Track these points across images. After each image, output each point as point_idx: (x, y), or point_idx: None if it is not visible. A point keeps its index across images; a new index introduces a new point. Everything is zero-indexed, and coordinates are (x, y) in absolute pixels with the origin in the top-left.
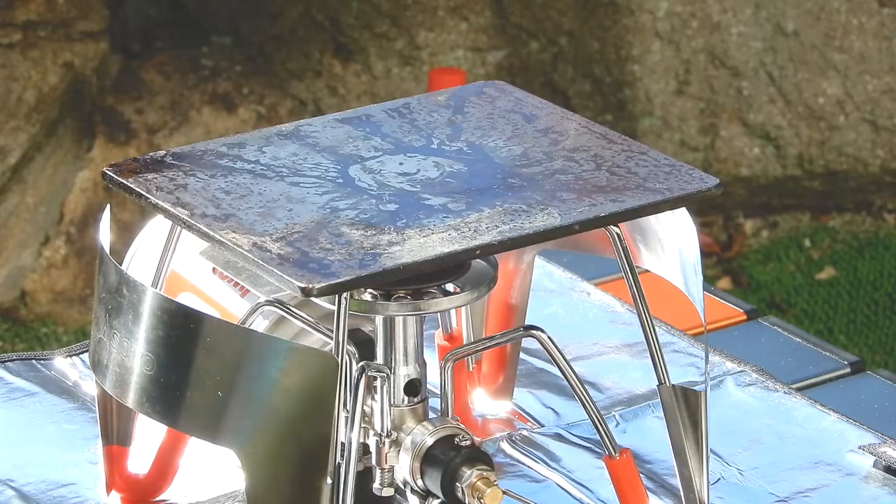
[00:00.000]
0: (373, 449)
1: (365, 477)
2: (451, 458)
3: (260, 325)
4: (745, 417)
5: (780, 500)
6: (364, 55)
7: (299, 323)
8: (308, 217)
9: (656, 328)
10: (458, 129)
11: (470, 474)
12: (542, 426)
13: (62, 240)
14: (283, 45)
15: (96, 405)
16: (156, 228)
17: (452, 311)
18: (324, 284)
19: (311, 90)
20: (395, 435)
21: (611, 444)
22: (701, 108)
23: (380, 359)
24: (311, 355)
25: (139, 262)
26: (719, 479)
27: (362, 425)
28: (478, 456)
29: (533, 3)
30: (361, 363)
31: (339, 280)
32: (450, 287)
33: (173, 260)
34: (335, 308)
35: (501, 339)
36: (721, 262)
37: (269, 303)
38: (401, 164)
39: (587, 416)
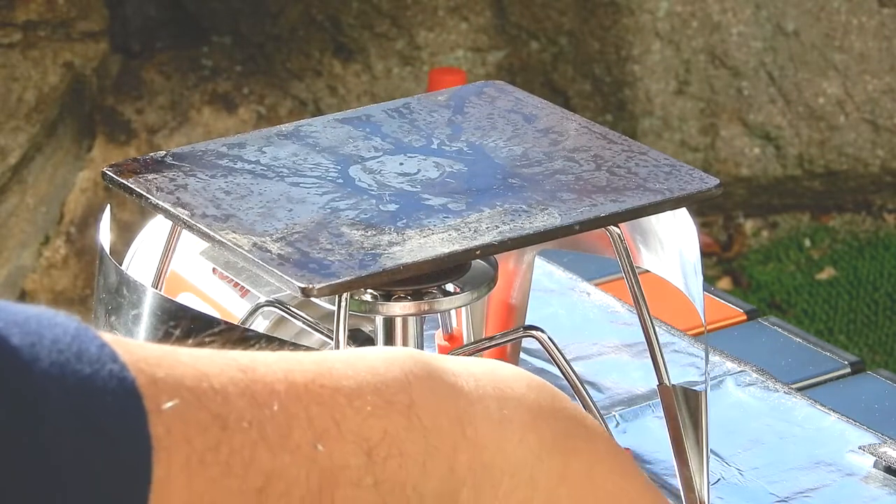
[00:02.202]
0: None
1: None
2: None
3: (260, 325)
4: (745, 417)
5: (780, 500)
6: (364, 55)
7: (299, 323)
8: (308, 217)
9: (656, 328)
10: (458, 129)
11: None
12: None
13: (62, 240)
14: (283, 45)
15: None
16: (156, 228)
17: (452, 312)
18: (324, 285)
19: (311, 90)
20: None
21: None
22: (701, 108)
23: None
24: None
25: (139, 262)
26: (719, 479)
27: None
28: None
29: (533, 3)
30: None
31: (340, 280)
32: (450, 287)
33: (173, 260)
34: (335, 308)
35: (501, 339)
36: (721, 262)
37: (270, 303)
38: (401, 164)
39: None
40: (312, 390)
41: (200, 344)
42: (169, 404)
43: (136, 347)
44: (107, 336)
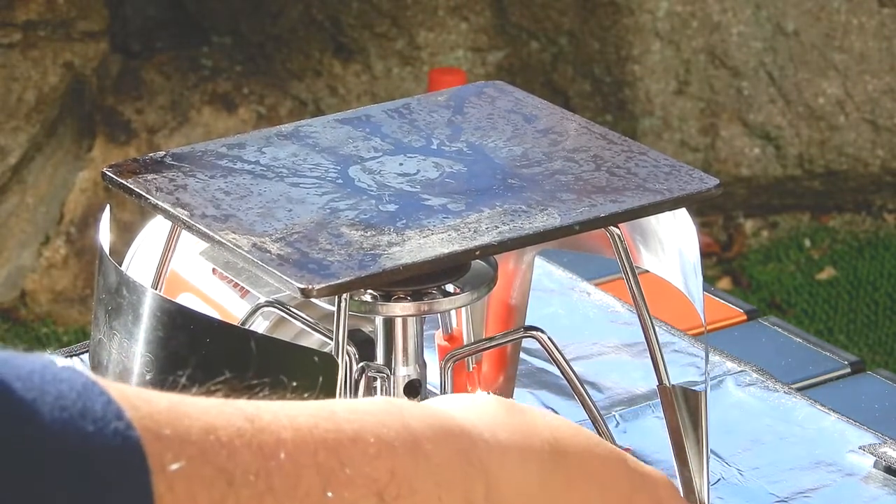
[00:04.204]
0: None
1: None
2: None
3: (260, 325)
4: (745, 417)
5: (780, 500)
6: (364, 55)
7: (299, 324)
8: (308, 218)
9: (656, 328)
10: (458, 130)
11: None
12: None
13: (62, 240)
14: (283, 45)
15: None
16: (156, 229)
17: (452, 312)
18: (324, 285)
19: (311, 90)
20: None
21: (611, 444)
22: (701, 108)
23: (380, 359)
24: (311, 356)
25: (139, 262)
26: (719, 480)
27: None
28: None
29: (533, 3)
30: (361, 364)
31: (339, 281)
32: (450, 287)
33: (173, 260)
34: (335, 309)
35: (501, 339)
36: (721, 262)
37: (269, 303)
38: (401, 164)
39: (587, 416)
40: (318, 435)
41: (209, 391)
42: (175, 466)
43: (142, 402)
44: (114, 390)
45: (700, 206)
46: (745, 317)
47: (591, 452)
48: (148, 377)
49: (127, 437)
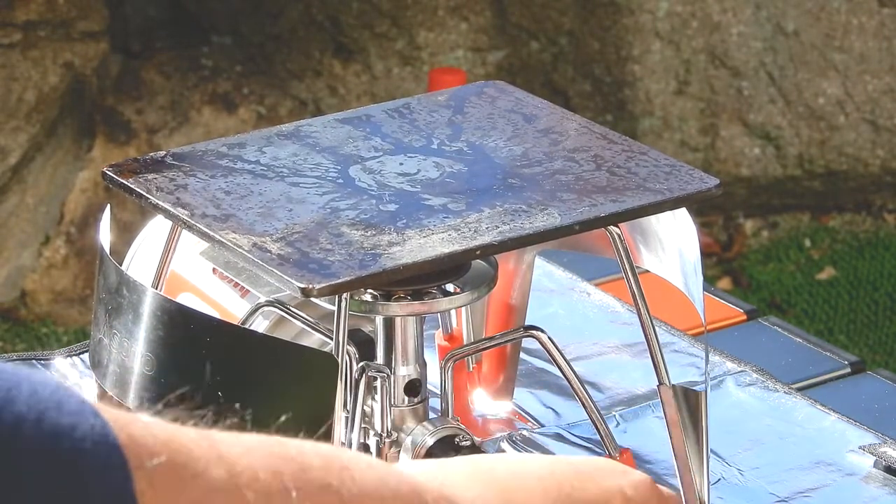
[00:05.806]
0: (373, 449)
1: None
2: (451, 458)
3: (260, 325)
4: (745, 417)
5: (781, 500)
6: (364, 55)
7: (299, 323)
8: (308, 217)
9: (656, 328)
10: (458, 130)
11: None
12: (543, 426)
13: (62, 240)
14: (283, 45)
15: None
16: (156, 228)
17: (453, 312)
18: (324, 285)
19: (311, 90)
20: (395, 435)
21: (611, 444)
22: (701, 108)
23: (380, 359)
24: (312, 356)
25: (139, 262)
26: (719, 480)
27: (362, 426)
28: None
29: (533, 3)
30: (361, 363)
31: (340, 280)
32: (450, 287)
33: (173, 260)
34: (335, 308)
35: (501, 339)
36: (721, 262)
37: (270, 303)
38: (401, 164)
39: (587, 416)
40: (263, 446)
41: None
42: (155, 461)
43: (107, 407)
44: (84, 396)
45: (700, 206)
46: (745, 317)
47: (516, 467)
48: (148, 376)
49: (105, 434)
